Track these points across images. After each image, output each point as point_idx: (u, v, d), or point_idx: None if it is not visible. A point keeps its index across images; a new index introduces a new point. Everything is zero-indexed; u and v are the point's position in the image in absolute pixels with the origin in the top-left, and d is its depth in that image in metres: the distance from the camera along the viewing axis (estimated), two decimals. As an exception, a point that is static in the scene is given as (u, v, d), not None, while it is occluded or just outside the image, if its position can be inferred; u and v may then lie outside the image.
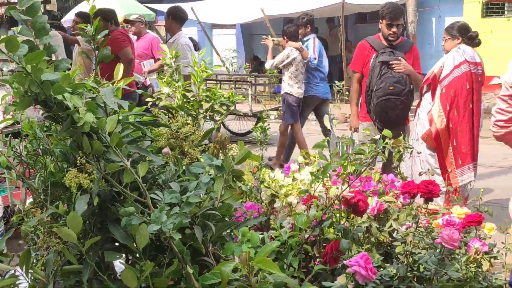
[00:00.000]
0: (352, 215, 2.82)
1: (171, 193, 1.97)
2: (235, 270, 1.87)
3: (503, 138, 2.50)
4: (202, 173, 2.18)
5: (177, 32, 6.48)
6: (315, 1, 12.54)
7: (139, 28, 7.58)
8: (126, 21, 7.82)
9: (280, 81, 8.52)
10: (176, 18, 6.53)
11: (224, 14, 13.45)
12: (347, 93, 9.72)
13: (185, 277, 1.99)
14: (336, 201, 2.60)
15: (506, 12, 12.86)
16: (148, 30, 7.98)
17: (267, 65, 7.46)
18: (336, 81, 11.15)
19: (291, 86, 7.13)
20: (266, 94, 12.54)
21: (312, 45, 7.23)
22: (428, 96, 4.69)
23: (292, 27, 7.31)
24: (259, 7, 12.48)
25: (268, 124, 4.71)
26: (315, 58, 7.17)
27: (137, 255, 1.97)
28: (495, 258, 2.83)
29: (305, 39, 7.32)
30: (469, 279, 2.64)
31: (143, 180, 1.95)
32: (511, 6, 12.88)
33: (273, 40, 7.53)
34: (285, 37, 7.24)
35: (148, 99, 3.80)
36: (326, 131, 7.21)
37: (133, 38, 7.21)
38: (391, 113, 4.88)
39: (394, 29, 5.01)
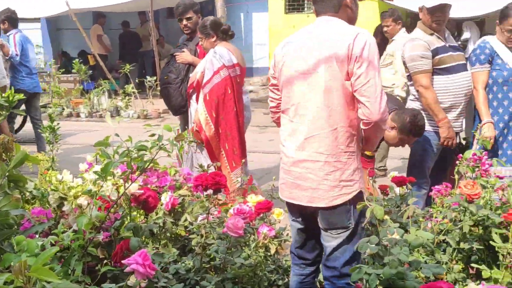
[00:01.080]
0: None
1: None
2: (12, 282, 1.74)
3: (279, 122, 2.70)
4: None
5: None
6: (124, -6, 12.29)
7: None
8: None
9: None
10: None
11: (26, 7, 12.54)
12: (158, 88, 9.68)
13: None
14: (125, 199, 2.55)
15: (306, 9, 13.78)
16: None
17: None
18: (148, 77, 11.05)
19: None
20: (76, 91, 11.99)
21: (13, 41, 7.22)
22: (195, 97, 4.89)
23: None
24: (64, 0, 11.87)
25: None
26: (17, 55, 7.17)
27: None
28: (285, 241, 3.01)
29: (7, 34, 7.29)
30: (259, 263, 2.77)
31: None
32: (310, 3, 13.85)
33: None
34: None
35: None
36: (36, 126, 7.28)
37: None
38: (173, 101, 5.11)
39: (183, 23, 5.22)
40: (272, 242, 2.74)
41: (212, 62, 4.63)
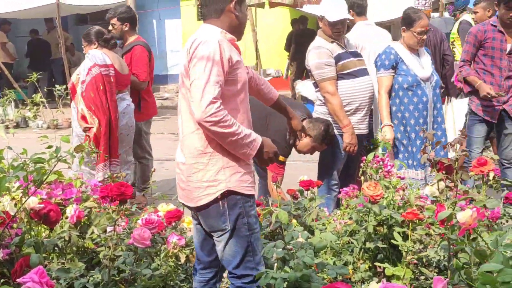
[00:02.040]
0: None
1: None
2: None
3: None
4: None
5: None
6: (30, 0, 11.79)
7: None
8: None
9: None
10: None
11: None
12: (68, 97, 9.37)
13: None
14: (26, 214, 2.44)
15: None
16: None
17: None
18: (57, 85, 10.67)
19: None
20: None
21: None
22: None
23: None
24: None
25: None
26: None
27: None
28: (193, 250, 2.98)
29: None
30: (169, 273, 2.73)
31: None
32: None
33: None
34: None
35: None
36: None
37: None
38: None
39: (110, 28, 5.39)
40: (182, 251, 2.71)
41: (85, 62, 4.86)
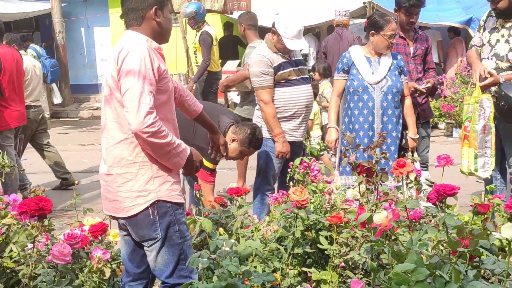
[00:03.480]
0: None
1: None
2: None
3: None
4: None
5: None
6: None
7: None
8: None
9: None
10: None
11: None
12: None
13: None
14: None
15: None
16: None
17: None
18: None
19: None
20: None
21: None
22: None
23: None
24: None
25: None
26: None
27: None
28: (120, 264, 2.91)
29: None
30: (94, 289, 2.64)
31: None
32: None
33: None
34: None
35: None
36: None
37: None
38: None
39: None
40: (106, 265, 2.64)
41: None
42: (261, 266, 2.80)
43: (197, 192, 3.21)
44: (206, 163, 4.05)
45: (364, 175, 2.50)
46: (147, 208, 2.47)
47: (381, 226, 1.65)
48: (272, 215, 3.16)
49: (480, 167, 4.28)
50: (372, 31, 4.35)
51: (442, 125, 10.29)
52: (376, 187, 2.52)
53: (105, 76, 2.57)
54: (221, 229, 2.81)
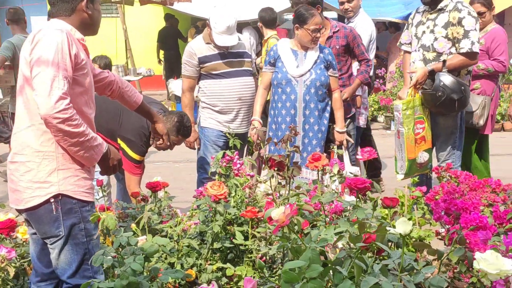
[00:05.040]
0: None
1: None
2: None
3: None
4: None
5: None
6: None
7: None
8: None
9: None
10: None
11: None
12: None
13: None
14: None
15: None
16: None
17: None
18: None
19: None
20: None
21: None
22: None
23: None
24: None
25: None
26: None
27: None
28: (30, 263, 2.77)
29: None
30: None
31: None
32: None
33: None
34: None
35: None
36: None
37: None
38: None
39: None
40: (10, 265, 2.50)
41: None
42: (177, 262, 2.72)
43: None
44: (133, 154, 3.95)
45: (276, 169, 2.46)
46: (48, 202, 2.35)
47: (278, 222, 1.60)
48: (193, 209, 3.08)
49: (399, 169, 4.35)
50: (297, 25, 4.33)
51: (381, 118, 10.45)
52: (288, 181, 2.48)
53: (20, 63, 2.44)
54: (133, 225, 2.71)
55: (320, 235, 1.83)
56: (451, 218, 2.59)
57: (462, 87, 4.13)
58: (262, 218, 2.66)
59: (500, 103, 9.77)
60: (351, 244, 2.27)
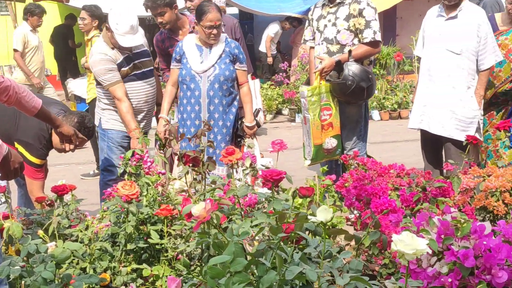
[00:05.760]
0: None
1: None
2: None
3: None
4: None
5: None
6: None
7: None
8: None
9: None
10: None
11: None
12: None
13: None
14: None
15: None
16: None
17: None
18: None
19: None
20: None
21: None
22: None
23: None
24: None
25: None
26: None
27: None
28: None
29: None
30: None
31: None
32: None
33: None
34: None
35: None
36: None
37: None
38: None
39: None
40: None
41: None
42: (90, 266, 2.61)
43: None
44: (33, 158, 3.76)
45: (190, 164, 2.42)
46: None
47: (199, 218, 1.56)
48: (103, 211, 2.97)
49: (307, 155, 4.45)
50: (195, 21, 4.31)
51: (285, 111, 10.64)
52: (203, 176, 2.45)
53: None
54: (40, 232, 2.56)
55: (241, 229, 1.81)
56: (362, 204, 2.68)
57: (370, 75, 4.29)
58: (177, 216, 2.61)
59: (396, 92, 10.26)
60: (270, 236, 2.28)
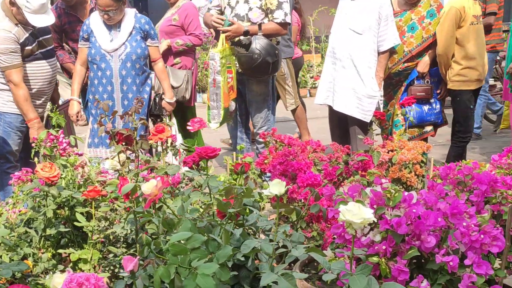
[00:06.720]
0: None
1: None
2: None
3: None
4: None
5: None
6: None
7: None
8: None
9: None
10: None
11: None
12: None
13: None
14: None
15: None
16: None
17: None
18: None
19: None
20: None
21: None
22: None
23: None
24: None
25: None
26: None
27: None
28: None
29: None
30: None
31: None
32: None
33: None
34: None
35: None
36: None
37: None
38: None
39: None
40: None
41: None
42: (7, 255, 2.46)
43: None
44: None
45: (124, 143, 2.34)
46: None
47: (150, 196, 1.53)
48: (17, 195, 2.80)
49: (212, 118, 4.47)
50: None
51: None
52: (137, 155, 2.39)
53: None
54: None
55: (188, 206, 1.79)
56: (287, 179, 2.74)
57: (276, 51, 4.35)
58: (102, 197, 2.53)
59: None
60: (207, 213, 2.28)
